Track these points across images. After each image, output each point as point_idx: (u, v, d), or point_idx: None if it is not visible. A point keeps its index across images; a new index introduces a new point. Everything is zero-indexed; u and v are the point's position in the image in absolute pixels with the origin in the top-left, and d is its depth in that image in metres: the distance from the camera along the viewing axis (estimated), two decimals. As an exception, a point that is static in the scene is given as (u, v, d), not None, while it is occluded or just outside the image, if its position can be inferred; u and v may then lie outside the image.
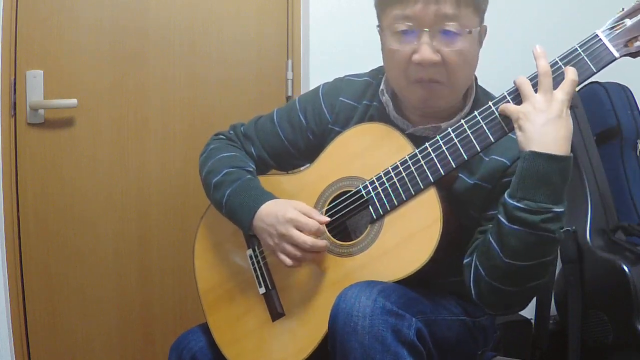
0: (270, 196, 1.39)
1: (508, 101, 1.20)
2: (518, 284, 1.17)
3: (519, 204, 1.12)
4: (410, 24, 1.24)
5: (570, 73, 1.15)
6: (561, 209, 1.13)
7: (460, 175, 1.29)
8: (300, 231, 1.30)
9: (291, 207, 1.33)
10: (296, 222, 1.30)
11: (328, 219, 1.33)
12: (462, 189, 1.30)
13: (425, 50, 1.22)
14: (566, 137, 1.13)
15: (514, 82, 1.19)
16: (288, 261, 1.32)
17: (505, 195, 1.15)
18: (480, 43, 1.32)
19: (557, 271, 2.19)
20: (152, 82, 1.99)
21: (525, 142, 1.14)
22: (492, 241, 1.17)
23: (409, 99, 1.33)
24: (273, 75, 2.16)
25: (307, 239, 1.29)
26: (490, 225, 1.21)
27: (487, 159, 1.29)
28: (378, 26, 1.33)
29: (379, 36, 1.34)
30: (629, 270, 1.99)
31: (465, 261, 1.26)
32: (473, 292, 1.23)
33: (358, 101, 1.45)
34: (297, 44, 2.16)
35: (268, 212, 1.34)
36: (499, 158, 1.28)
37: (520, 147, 1.15)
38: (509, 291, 1.18)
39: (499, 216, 1.16)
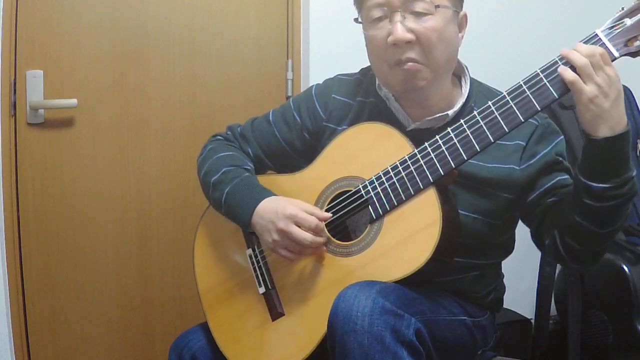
0: (269, 193, 1.39)
1: (507, 101, 1.20)
2: (614, 236, 1.25)
3: (606, 185, 1.17)
4: (383, 9, 1.28)
5: (581, 52, 1.15)
6: (635, 170, 1.19)
7: (472, 162, 1.29)
8: (299, 227, 1.30)
9: (291, 204, 1.33)
10: (295, 217, 1.30)
11: (330, 215, 1.34)
12: (485, 172, 1.32)
13: (398, 29, 1.26)
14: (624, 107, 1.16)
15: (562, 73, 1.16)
16: (290, 255, 1.33)
17: (585, 179, 1.18)
18: (459, 27, 1.33)
19: (556, 271, 2.19)
20: (152, 82, 1.99)
21: (600, 121, 1.14)
22: (581, 221, 1.21)
23: (391, 85, 1.34)
24: (273, 75, 2.16)
25: (308, 236, 1.29)
26: (549, 200, 1.29)
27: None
28: (361, 22, 1.35)
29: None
30: (629, 270, 1.99)
31: (546, 242, 1.30)
32: (570, 263, 1.30)
33: (352, 98, 1.45)
34: (297, 44, 2.16)
35: (267, 209, 1.34)
36: (509, 142, 1.32)
37: (591, 128, 1.15)
38: (607, 246, 1.28)
39: (584, 200, 1.18)
